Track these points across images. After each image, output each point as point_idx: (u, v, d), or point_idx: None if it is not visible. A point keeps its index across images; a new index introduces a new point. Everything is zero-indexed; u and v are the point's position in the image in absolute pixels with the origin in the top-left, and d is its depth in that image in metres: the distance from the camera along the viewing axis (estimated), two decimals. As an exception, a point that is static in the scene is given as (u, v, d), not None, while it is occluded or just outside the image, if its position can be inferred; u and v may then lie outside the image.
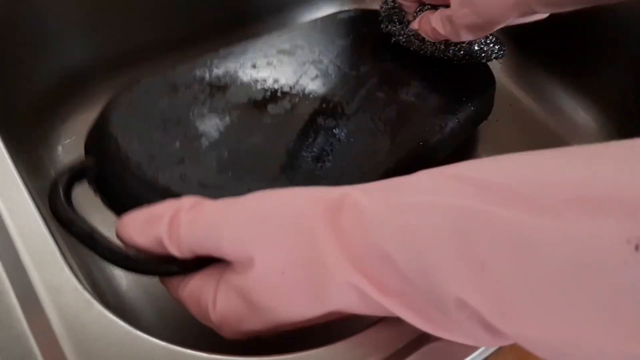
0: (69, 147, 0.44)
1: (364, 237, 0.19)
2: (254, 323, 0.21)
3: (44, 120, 0.44)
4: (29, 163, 0.40)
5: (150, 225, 0.22)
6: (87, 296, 0.22)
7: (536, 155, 0.19)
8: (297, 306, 0.20)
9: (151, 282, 0.36)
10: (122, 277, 0.37)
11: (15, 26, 0.41)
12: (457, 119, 0.38)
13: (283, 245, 0.20)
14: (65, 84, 0.45)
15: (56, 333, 0.21)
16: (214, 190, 0.27)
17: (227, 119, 0.32)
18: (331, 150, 0.32)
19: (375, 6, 0.48)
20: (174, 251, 0.22)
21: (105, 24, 0.45)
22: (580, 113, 0.49)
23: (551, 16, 0.42)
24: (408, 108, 0.37)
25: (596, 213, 0.15)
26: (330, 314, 0.20)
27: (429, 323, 0.19)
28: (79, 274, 0.25)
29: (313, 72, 0.38)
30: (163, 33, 0.48)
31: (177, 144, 0.29)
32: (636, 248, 0.14)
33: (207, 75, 0.34)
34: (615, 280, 0.15)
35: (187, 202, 0.22)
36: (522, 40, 0.53)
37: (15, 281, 0.22)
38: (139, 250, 0.23)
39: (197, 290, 0.23)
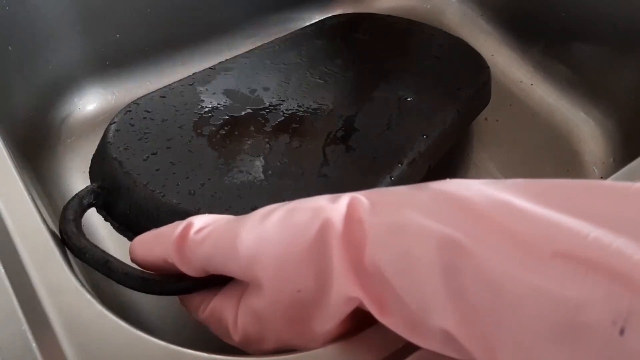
0: (69, 147, 0.44)
1: (367, 255, 0.19)
2: (276, 342, 0.21)
3: (44, 120, 0.44)
4: (29, 163, 0.40)
5: (161, 246, 0.22)
6: (87, 296, 0.22)
7: (544, 190, 0.18)
8: (317, 321, 0.20)
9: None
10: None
11: (13, 26, 0.41)
12: (457, 109, 0.39)
13: (295, 263, 0.20)
14: (65, 83, 0.45)
15: (56, 333, 0.21)
16: (221, 204, 0.28)
17: (228, 132, 0.32)
18: (336, 155, 0.33)
19: (373, 9, 0.48)
20: (186, 270, 0.22)
21: (104, 24, 0.46)
22: (580, 113, 0.49)
23: (553, 17, 0.42)
24: (407, 105, 0.38)
25: (585, 278, 0.15)
26: (345, 323, 0.20)
27: (428, 345, 0.19)
28: (79, 274, 0.24)
29: (309, 80, 0.38)
30: (160, 33, 0.49)
31: (181, 160, 0.29)
32: (621, 332, 0.14)
33: (204, 92, 0.35)
34: (598, 355, 0.14)
35: (195, 221, 0.22)
36: (522, 40, 0.53)
37: (15, 281, 0.22)
38: (154, 271, 0.23)
39: (218, 311, 0.23)
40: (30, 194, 0.25)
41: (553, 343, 0.15)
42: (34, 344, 0.20)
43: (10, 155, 0.27)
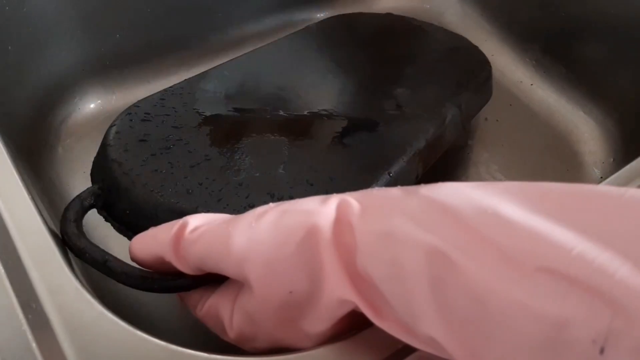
0: (69, 147, 0.44)
1: (358, 261, 0.19)
2: (268, 341, 0.22)
3: (44, 120, 0.44)
4: (29, 163, 0.40)
5: (158, 245, 0.22)
6: (87, 296, 0.22)
7: (537, 197, 0.18)
8: (309, 322, 0.20)
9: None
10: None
11: (13, 26, 0.41)
12: (458, 105, 0.39)
13: (286, 265, 0.20)
14: (65, 83, 0.45)
15: (56, 333, 0.21)
16: (219, 203, 0.28)
17: (226, 132, 0.32)
18: (334, 152, 0.32)
19: (373, 9, 0.48)
20: (183, 269, 0.22)
21: (104, 24, 0.46)
22: (580, 113, 0.49)
23: (553, 17, 0.42)
24: (406, 101, 0.38)
25: (568, 295, 0.15)
26: (341, 323, 0.20)
27: (423, 348, 0.19)
28: (79, 273, 0.25)
29: (309, 79, 0.38)
30: (159, 33, 0.49)
31: (179, 160, 0.30)
32: (601, 351, 0.14)
33: (203, 93, 0.35)
34: None
35: (190, 220, 0.22)
36: (522, 40, 0.53)
37: (15, 281, 0.22)
38: (153, 269, 0.23)
39: (215, 309, 0.23)
40: (30, 194, 0.25)
41: (535, 358, 0.15)
42: (34, 344, 0.20)
43: (11, 156, 0.27)
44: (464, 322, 0.16)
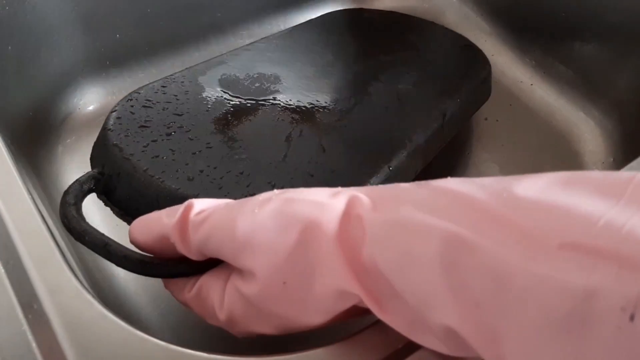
0: (69, 147, 0.44)
1: (365, 253, 0.19)
2: (261, 326, 0.22)
3: (44, 120, 0.44)
4: (29, 163, 0.40)
5: (162, 227, 0.22)
6: (87, 296, 0.22)
7: (543, 184, 0.17)
8: (302, 314, 0.20)
9: (151, 282, 0.36)
10: (121, 277, 0.37)
11: (13, 26, 0.41)
12: (456, 103, 0.39)
13: (284, 254, 0.20)
14: (65, 83, 0.45)
15: (56, 333, 0.21)
16: (220, 191, 0.28)
17: (228, 121, 0.32)
18: (334, 145, 0.32)
19: (373, 7, 0.48)
20: (186, 251, 0.22)
21: (104, 24, 0.46)
22: (580, 113, 0.49)
23: (553, 17, 0.42)
24: (407, 97, 0.38)
25: (594, 266, 0.14)
26: (341, 315, 0.20)
27: (427, 342, 0.19)
28: (79, 274, 0.25)
29: (310, 72, 0.38)
30: (159, 33, 0.49)
31: (181, 147, 0.30)
32: (631, 318, 0.14)
33: (205, 82, 0.35)
34: (607, 342, 0.14)
35: (195, 203, 0.22)
36: (522, 41, 0.53)
37: (15, 281, 0.22)
38: (152, 253, 0.23)
39: (205, 290, 0.23)
40: (30, 194, 0.25)
41: (561, 332, 0.15)
42: (34, 344, 0.20)
43: (11, 156, 0.27)
44: (482, 303, 0.16)
